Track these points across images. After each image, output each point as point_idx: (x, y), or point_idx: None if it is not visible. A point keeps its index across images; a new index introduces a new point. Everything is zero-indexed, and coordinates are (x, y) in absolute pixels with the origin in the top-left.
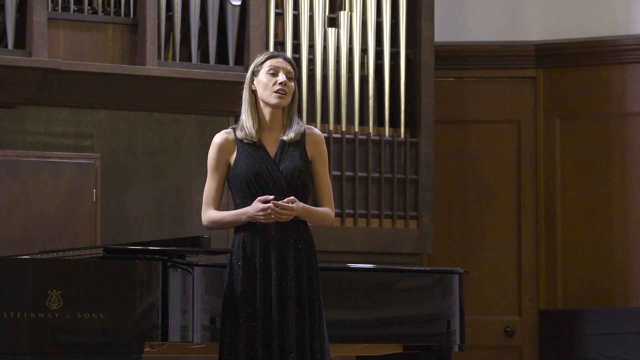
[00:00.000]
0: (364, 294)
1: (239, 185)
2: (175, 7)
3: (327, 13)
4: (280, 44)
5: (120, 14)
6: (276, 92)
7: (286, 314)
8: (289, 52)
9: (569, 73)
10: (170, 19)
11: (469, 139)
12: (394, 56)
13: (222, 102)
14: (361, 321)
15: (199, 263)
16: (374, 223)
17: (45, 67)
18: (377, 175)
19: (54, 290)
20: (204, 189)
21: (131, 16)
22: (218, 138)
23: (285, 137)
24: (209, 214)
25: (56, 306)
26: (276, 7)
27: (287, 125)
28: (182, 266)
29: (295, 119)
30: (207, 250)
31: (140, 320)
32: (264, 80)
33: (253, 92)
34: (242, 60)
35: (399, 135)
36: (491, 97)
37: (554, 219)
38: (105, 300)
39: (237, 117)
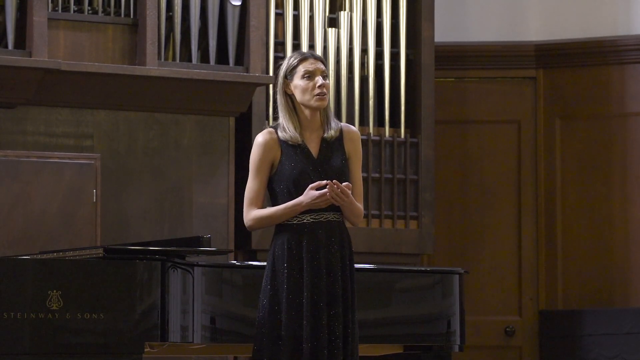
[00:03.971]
0: (364, 294)
1: (284, 186)
2: (176, 8)
3: (327, 13)
4: (280, 44)
5: (120, 14)
6: (317, 95)
7: (335, 315)
8: (289, 53)
9: (569, 73)
10: (170, 19)
11: (469, 139)
12: (394, 56)
13: (222, 102)
14: (361, 321)
15: (199, 263)
16: (374, 223)
17: (45, 67)
18: (377, 175)
19: (54, 291)
20: (246, 189)
21: (131, 16)
22: (262, 138)
23: (326, 135)
24: (254, 213)
25: (56, 306)
26: (276, 7)
27: (325, 122)
28: (182, 266)
29: (331, 115)
30: (207, 250)
31: (140, 320)
32: (302, 85)
33: (289, 97)
34: (242, 60)
35: (399, 136)
36: (491, 98)
37: (554, 219)
38: (105, 300)
39: (239, 115)
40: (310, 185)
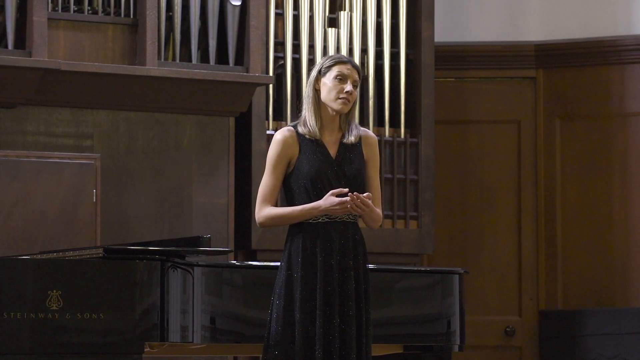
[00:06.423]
0: None
1: (302, 183)
2: (175, 7)
3: (327, 13)
4: (280, 44)
5: (120, 14)
6: (341, 99)
7: (347, 315)
8: (289, 52)
9: (569, 73)
10: (170, 19)
11: (469, 139)
12: (394, 56)
13: (222, 102)
14: None
15: (199, 263)
16: None
17: (45, 67)
18: None
19: (54, 291)
20: (261, 186)
21: (131, 16)
22: (281, 135)
23: (345, 140)
24: (268, 210)
25: (56, 306)
26: (276, 7)
27: (345, 129)
28: (182, 266)
29: (354, 123)
30: (207, 250)
31: (140, 320)
32: (330, 85)
33: (316, 91)
34: (242, 60)
35: (399, 136)
36: (491, 98)
37: (554, 219)
38: (105, 300)
39: (239, 115)
40: (332, 192)
